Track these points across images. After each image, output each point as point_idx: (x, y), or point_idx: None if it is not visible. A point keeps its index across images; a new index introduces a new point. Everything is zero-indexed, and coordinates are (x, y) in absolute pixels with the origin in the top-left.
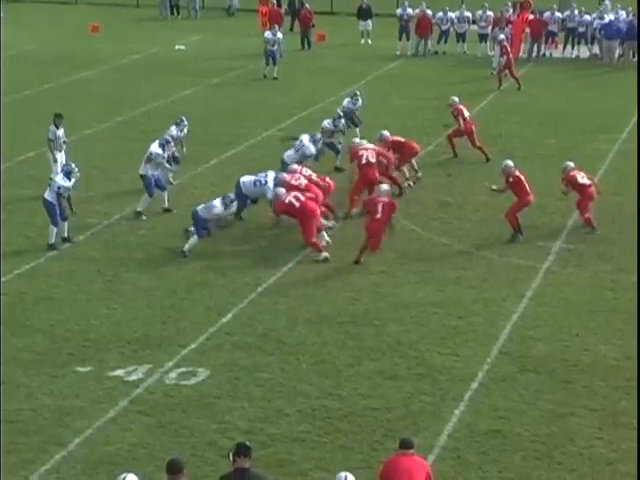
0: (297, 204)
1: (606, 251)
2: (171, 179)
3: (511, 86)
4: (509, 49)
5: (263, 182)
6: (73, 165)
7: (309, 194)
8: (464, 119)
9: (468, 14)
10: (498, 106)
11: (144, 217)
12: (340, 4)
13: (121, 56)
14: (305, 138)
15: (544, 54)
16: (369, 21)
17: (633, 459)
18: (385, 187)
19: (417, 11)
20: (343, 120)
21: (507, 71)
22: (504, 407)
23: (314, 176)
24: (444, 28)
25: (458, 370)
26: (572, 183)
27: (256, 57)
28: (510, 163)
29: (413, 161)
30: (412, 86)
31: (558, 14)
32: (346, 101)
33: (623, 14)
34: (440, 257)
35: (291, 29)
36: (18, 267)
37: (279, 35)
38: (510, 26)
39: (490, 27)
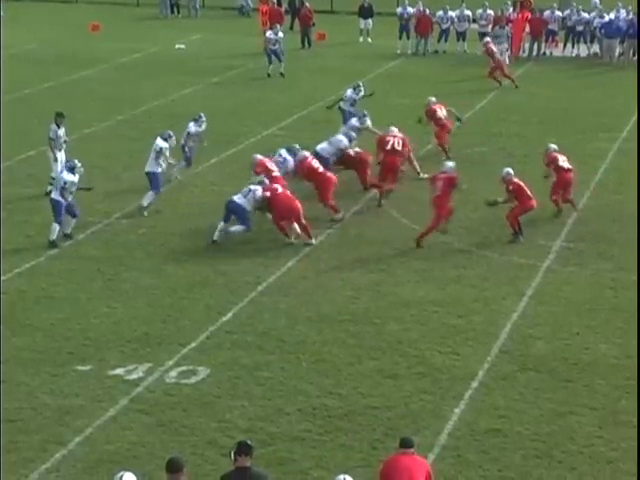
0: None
1: (606, 250)
2: (177, 175)
3: (511, 85)
4: (494, 50)
5: (282, 160)
6: (76, 161)
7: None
8: (436, 120)
9: (468, 13)
10: (498, 105)
11: (145, 213)
12: (340, 3)
13: (121, 55)
14: (343, 133)
15: (544, 53)
16: (370, 20)
17: (633, 458)
18: (450, 164)
19: (415, 10)
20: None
21: (499, 72)
22: (504, 406)
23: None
24: (444, 27)
25: (458, 369)
26: (553, 164)
27: (256, 56)
28: (509, 171)
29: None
30: (412, 85)
31: (558, 13)
32: (349, 91)
33: (623, 13)
34: (440, 256)
35: (291, 28)
36: (18, 266)
37: (280, 34)
38: (510, 25)
39: (490, 26)
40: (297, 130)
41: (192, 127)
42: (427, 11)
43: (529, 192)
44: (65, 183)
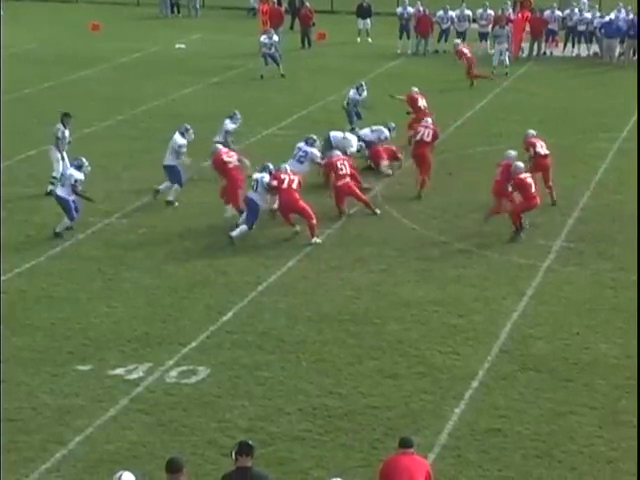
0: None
1: (606, 250)
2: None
3: (511, 85)
4: (464, 51)
5: (302, 154)
6: (84, 159)
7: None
8: (417, 109)
9: (468, 12)
10: (498, 105)
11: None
12: (340, 3)
13: (121, 55)
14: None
15: (544, 53)
16: (368, 20)
17: (633, 457)
18: (512, 152)
19: (415, 10)
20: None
21: (471, 73)
22: (504, 406)
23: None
24: (444, 27)
25: (458, 369)
26: (532, 148)
27: (256, 56)
28: (520, 165)
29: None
30: (412, 84)
31: (558, 12)
32: (352, 92)
33: (623, 13)
34: (440, 256)
35: (291, 28)
36: (18, 266)
37: (275, 38)
38: (510, 25)
39: (490, 26)
40: (297, 130)
41: (229, 124)
42: (427, 11)
43: (534, 189)
44: (76, 181)
